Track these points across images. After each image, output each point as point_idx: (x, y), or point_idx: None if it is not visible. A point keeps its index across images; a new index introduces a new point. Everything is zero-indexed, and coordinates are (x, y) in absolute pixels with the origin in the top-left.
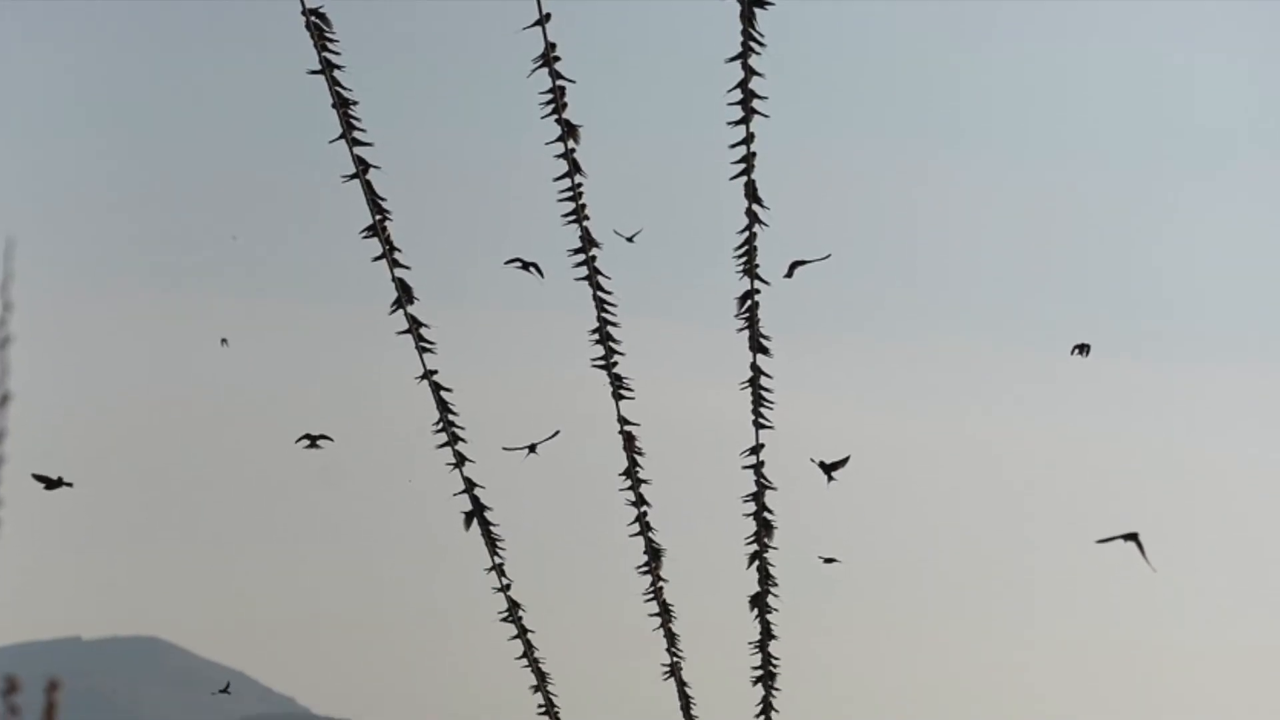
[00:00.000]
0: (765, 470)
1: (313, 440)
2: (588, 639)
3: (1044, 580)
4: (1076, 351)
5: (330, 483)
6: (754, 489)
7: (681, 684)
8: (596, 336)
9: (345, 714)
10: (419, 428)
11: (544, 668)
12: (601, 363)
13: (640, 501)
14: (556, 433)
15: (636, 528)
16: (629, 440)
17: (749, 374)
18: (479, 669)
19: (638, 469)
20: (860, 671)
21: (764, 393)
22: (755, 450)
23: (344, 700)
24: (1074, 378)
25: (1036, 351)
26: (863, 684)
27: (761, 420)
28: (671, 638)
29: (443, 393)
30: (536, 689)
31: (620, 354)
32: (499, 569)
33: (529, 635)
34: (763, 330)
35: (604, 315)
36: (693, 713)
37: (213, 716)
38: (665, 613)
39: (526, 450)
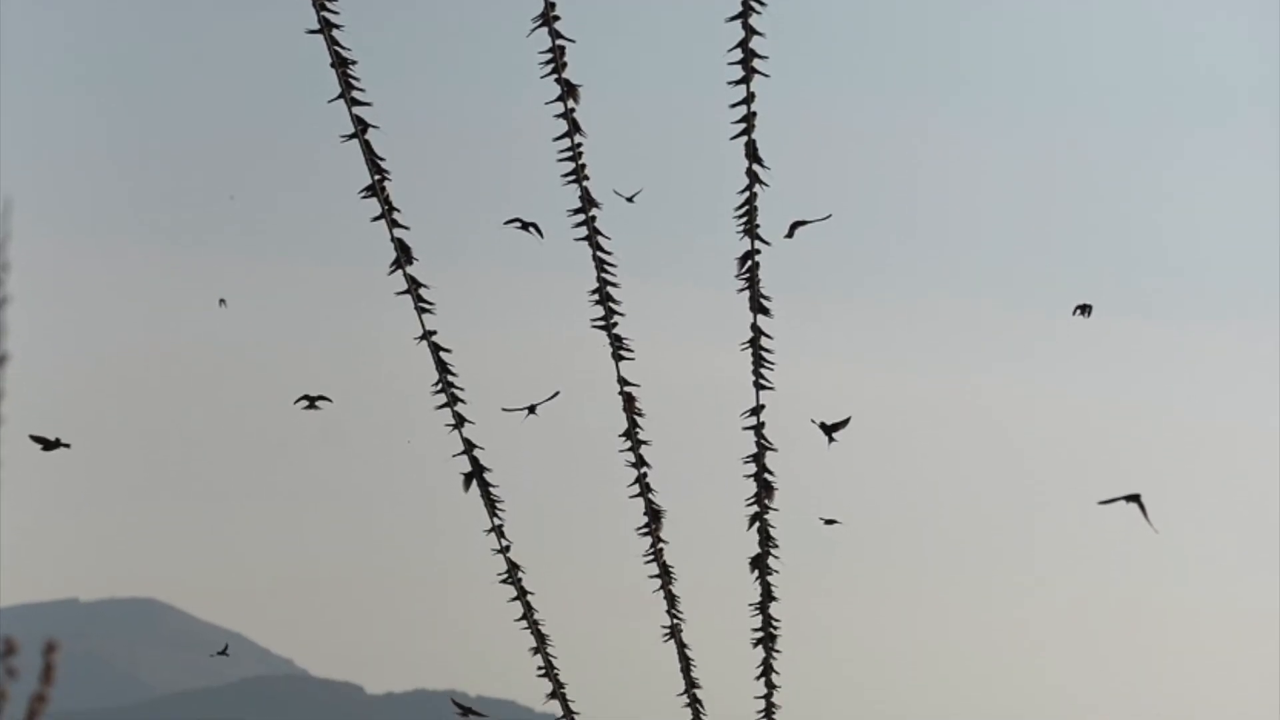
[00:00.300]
0: (766, 431)
1: (311, 401)
2: (588, 601)
3: (1045, 541)
4: (1079, 312)
5: (329, 444)
6: (754, 450)
7: (681, 646)
8: (596, 297)
9: (344, 676)
10: (418, 388)
11: (544, 629)
12: (601, 323)
13: (640, 463)
14: (556, 394)
15: (636, 489)
16: (629, 401)
17: (749, 335)
18: (478, 631)
19: (638, 430)
20: (861, 633)
21: (764, 353)
22: (755, 411)
23: (343, 662)
24: (1076, 338)
25: (1039, 311)
26: (864, 645)
27: (762, 381)
28: (671, 599)
29: (442, 353)
30: (536, 651)
31: (620, 315)
32: (498, 530)
33: (529, 597)
34: (763, 291)
35: (604, 276)
36: (693, 675)
37: (211, 678)
38: (665, 574)
39: (526, 411)
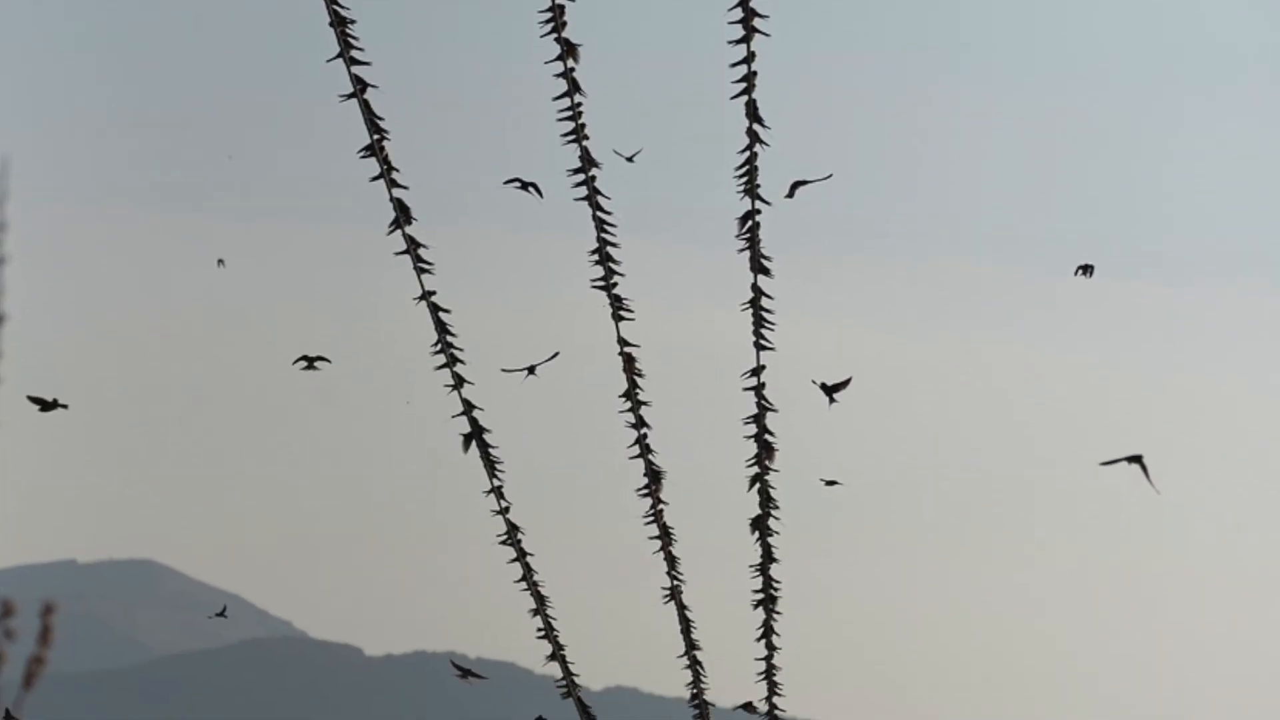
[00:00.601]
0: (766, 392)
1: (310, 362)
2: (588, 562)
3: (1047, 502)
4: (1080, 272)
5: (328, 405)
6: (755, 411)
7: (682, 607)
8: (596, 257)
9: (343, 637)
10: (417, 349)
11: (543, 591)
12: (601, 284)
13: (640, 424)
14: (556, 354)
15: (636, 450)
16: (629, 362)
17: (749, 295)
18: (478, 593)
19: (638, 391)
20: (862, 595)
21: (765, 314)
22: (756, 372)
23: (342, 623)
24: (1078, 299)
25: (1040, 272)
26: (865, 607)
27: (762, 342)
28: (672, 561)
29: (441, 314)
30: (536, 612)
31: (620, 275)
32: (498, 491)
33: (528, 558)
34: (763, 251)
35: (604, 236)
36: (693, 636)
37: (209, 640)
38: (665, 536)
39: (526, 372)
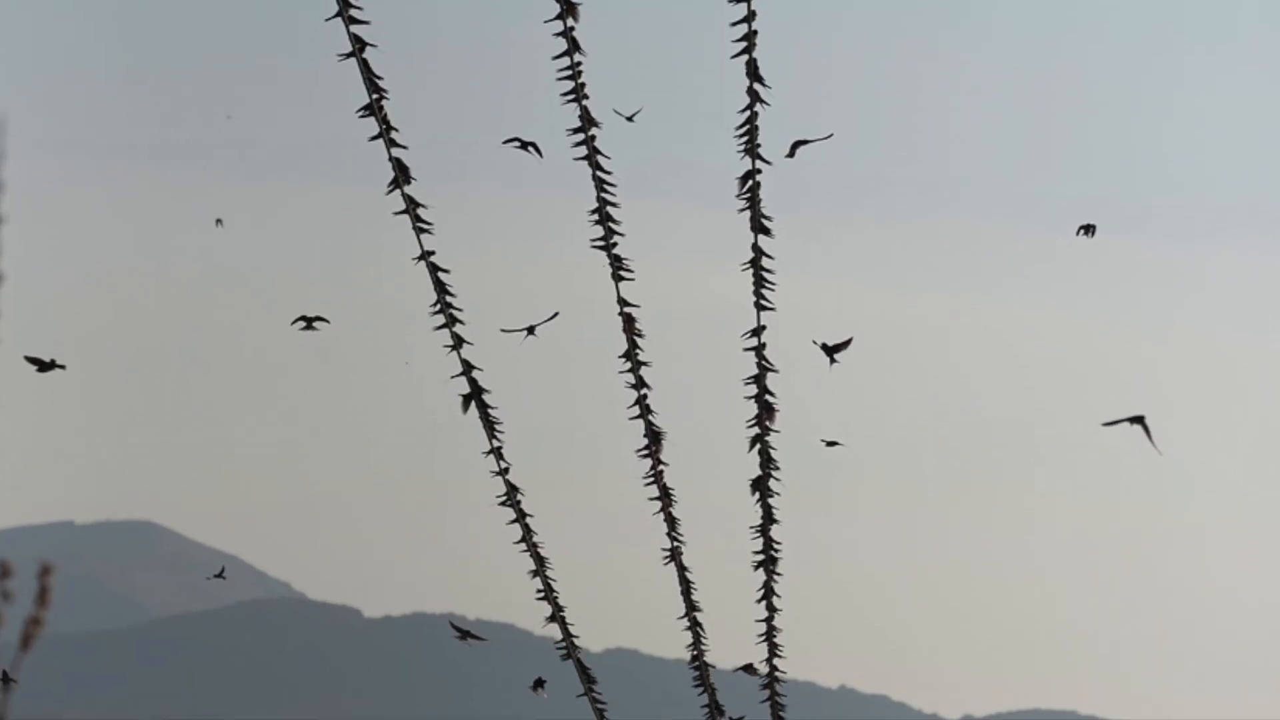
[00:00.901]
0: (767, 352)
1: (308, 322)
2: (587, 523)
3: (1049, 462)
4: (1082, 231)
5: (327, 365)
6: (755, 371)
7: (682, 568)
8: (596, 217)
9: (342, 599)
10: (416, 309)
11: (543, 552)
12: (601, 244)
13: (640, 384)
14: (555, 314)
15: (636, 411)
16: (629, 322)
17: (750, 255)
18: (477, 554)
19: (638, 351)
20: (863, 555)
21: (765, 274)
22: (756, 332)
23: (341, 585)
24: (1079, 258)
25: (1041, 231)
26: (866, 568)
27: (763, 302)
28: (672, 522)
29: (440, 274)
30: (535, 574)
31: (620, 235)
32: (497, 452)
33: (528, 519)
34: (764, 211)
35: (603, 195)
36: (693, 598)
37: (207, 601)
38: (665, 497)
39: (525, 332)
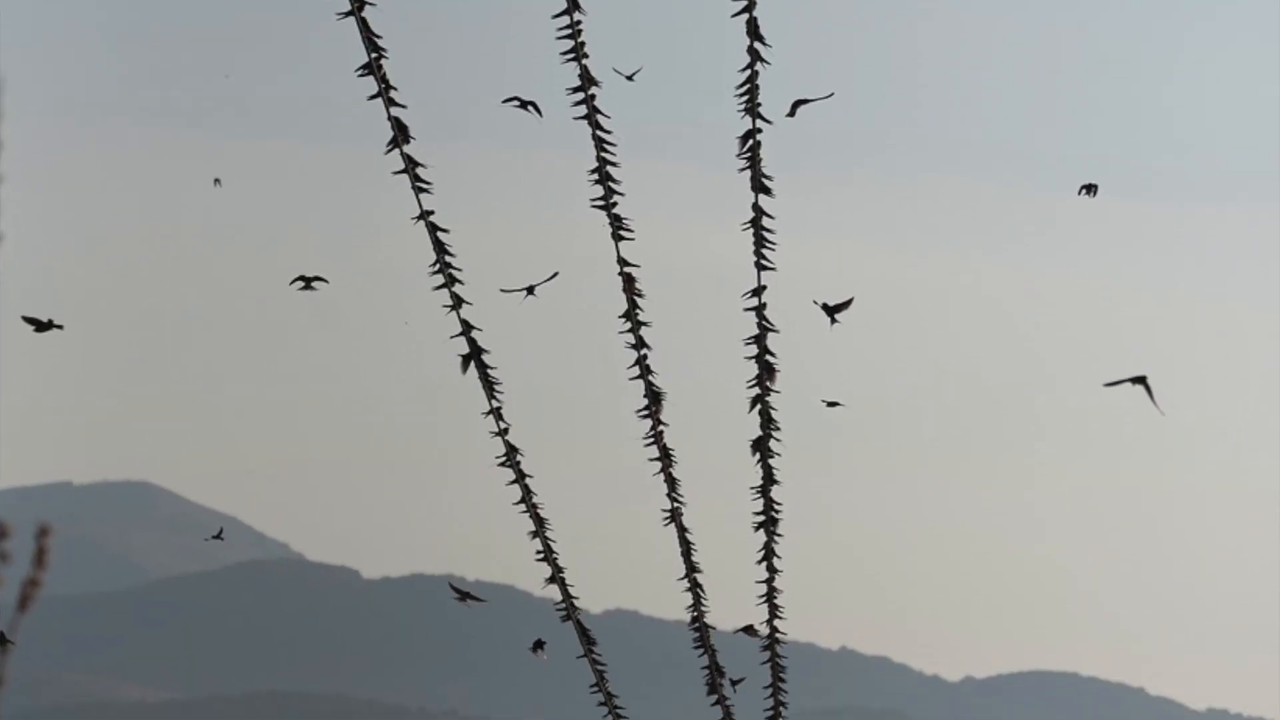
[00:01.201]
0: (767, 312)
1: (307, 282)
2: (587, 484)
3: (1051, 423)
4: (1084, 192)
5: (325, 325)
6: (756, 331)
7: (682, 529)
8: (596, 177)
9: (340, 560)
10: (415, 269)
11: (542, 513)
12: (601, 203)
13: (640, 344)
14: (555, 274)
15: (636, 371)
16: (629, 282)
17: (750, 215)
18: (476, 515)
19: (638, 311)
20: (864, 516)
21: (766, 233)
22: (757, 292)
23: (339, 546)
24: (1080, 217)
25: (1043, 192)
26: (867, 529)
27: (763, 262)
28: (672, 482)
29: (439, 233)
30: (535, 535)
31: (620, 194)
32: (497, 413)
33: (527, 480)
34: (764, 170)
35: (603, 155)
36: (693, 559)
37: (205, 562)
38: (665, 457)
39: (525, 292)
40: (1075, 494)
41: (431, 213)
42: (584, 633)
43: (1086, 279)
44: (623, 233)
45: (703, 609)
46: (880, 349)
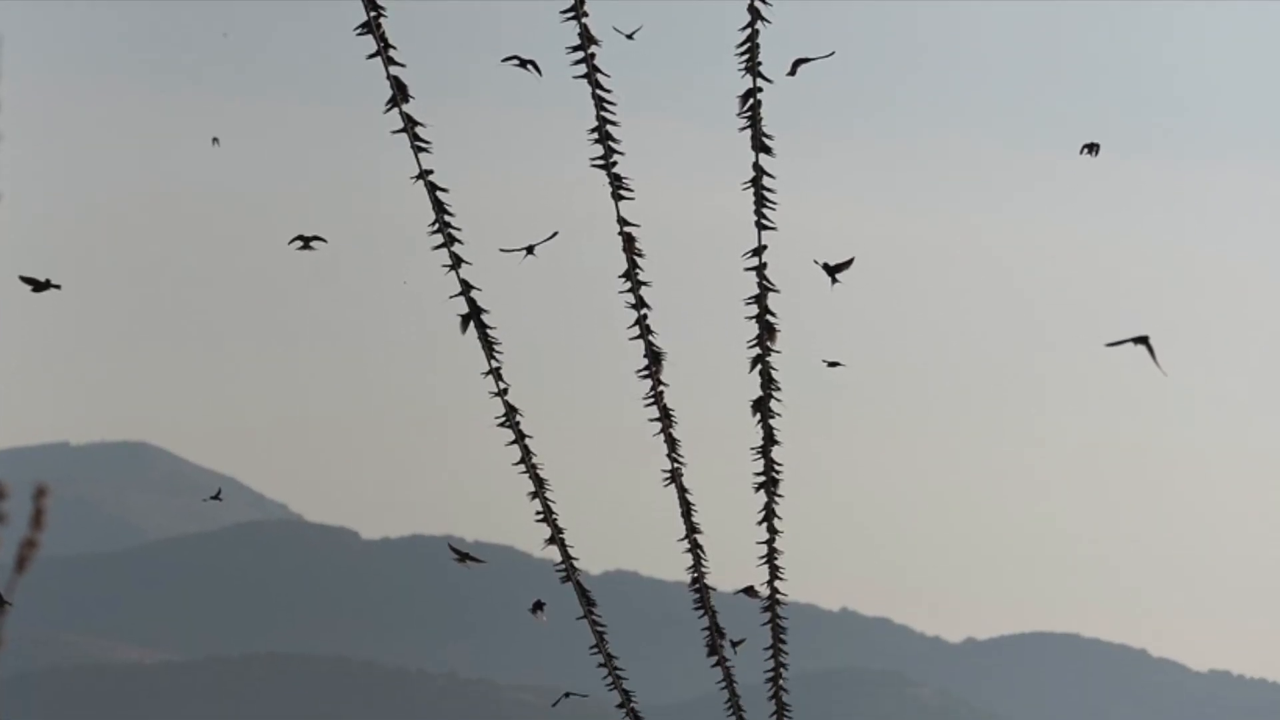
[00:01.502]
0: (768, 272)
1: (306, 242)
2: (587, 445)
3: (1053, 383)
4: (1086, 150)
5: (324, 285)
6: (756, 291)
7: (682, 490)
8: (595, 136)
9: (339, 521)
10: (414, 229)
11: (542, 474)
12: (601, 162)
13: (640, 304)
14: (555, 234)
15: (636, 331)
16: (629, 241)
17: (751, 174)
18: (476, 475)
19: (638, 271)
20: (865, 477)
21: (766, 193)
22: (757, 252)
23: (338, 507)
24: (1083, 177)
25: (1044, 150)
26: (867, 490)
27: (764, 221)
28: (672, 443)
29: (439, 193)
30: (534, 495)
31: (620, 154)
32: (496, 373)
33: (527, 440)
34: (765, 129)
35: (603, 114)
36: (694, 519)
37: (204, 523)
38: (665, 418)
39: (524, 252)
40: (1077, 454)
41: (430, 172)
42: (583, 594)
43: (1088, 238)
44: (622, 192)
45: (703, 570)
46: (881, 309)
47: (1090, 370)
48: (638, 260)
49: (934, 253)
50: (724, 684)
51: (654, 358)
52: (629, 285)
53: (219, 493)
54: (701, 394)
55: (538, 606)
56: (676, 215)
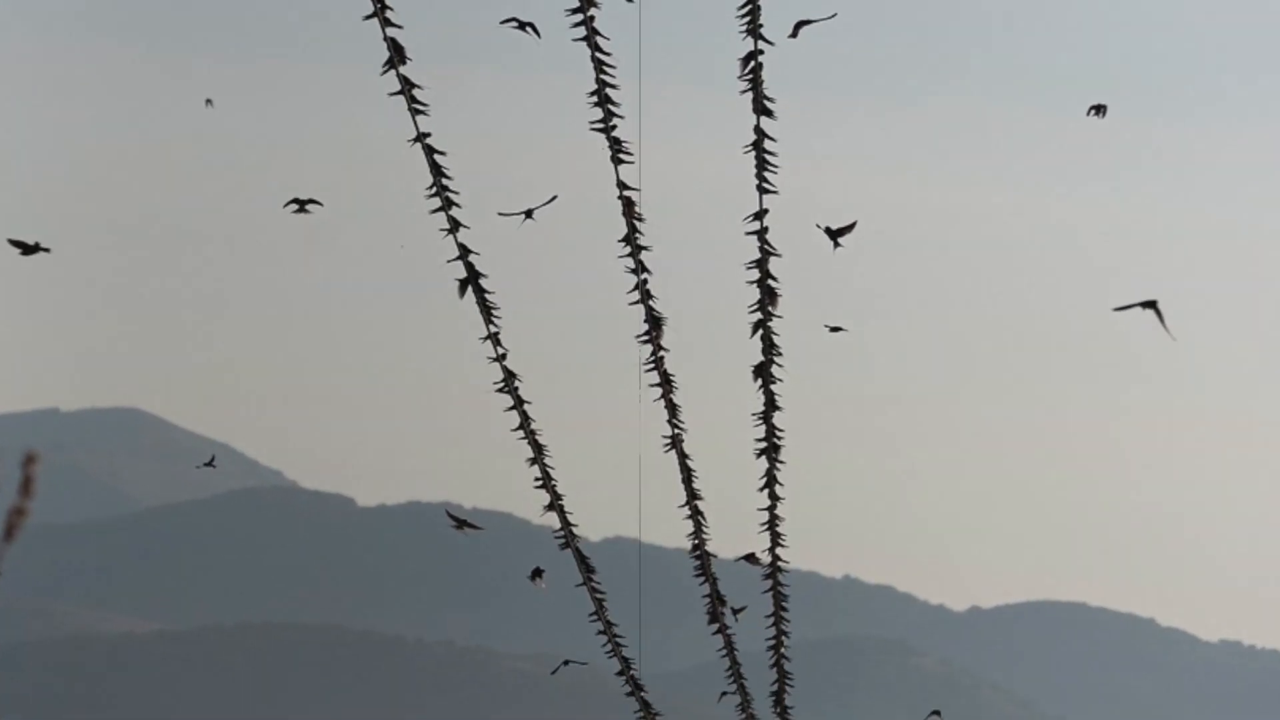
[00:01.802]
0: (769, 237)
1: (302, 205)
2: (586, 411)
3: (1059, 349)
4: (1093, 112)
5: (320, 249)
6: (758, 256)
7: (683, 456)
8: (595, 99)
9: (335, 487)
10: (411, 192)
11: (541, 440)
12: (600, 126)
13: (640, 269)
14: (554, 198)
15: (636, 296)
16: (628, 206)
17: (752, 138)
18: (473, 442)
19: (637, 235)
20: (868, 443)
21: (768, 156)
22: (759, 216)
23: (334, 473)
24: (1090, 140)
25: (1050, 113)
26: (870, 456)
27: (765, 185)
28: (672, 409)
29: (436, 156)
30: (533, 462)
31: (619, 117)
32: (494, 338)
33: (525, 406)
34: (766, 92)
35: (602, 77)
36: (694, 486)
37: (197, 490)
38: (666, 383)
39: (523, 216)
40: (1084, 421)
41: (428, 135)
42: (582, 561)
43: (1094, 200)
44: (622, 156)
45: (704, 537)
46: (884, 273)
47: (1098, 337)
48: (637, 224)
49: (937, 215)
50: (725, 652)
51: (654, 323)
52: (629, 250)
53: (212, 459)
54: (702, 359)
55: (537, 574)
56: (677, 179)
